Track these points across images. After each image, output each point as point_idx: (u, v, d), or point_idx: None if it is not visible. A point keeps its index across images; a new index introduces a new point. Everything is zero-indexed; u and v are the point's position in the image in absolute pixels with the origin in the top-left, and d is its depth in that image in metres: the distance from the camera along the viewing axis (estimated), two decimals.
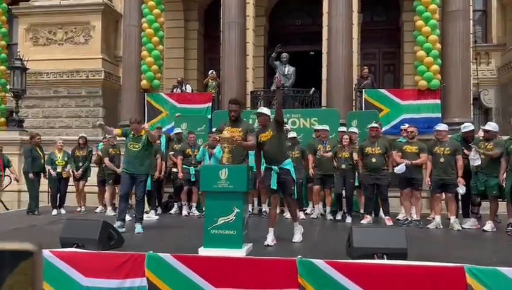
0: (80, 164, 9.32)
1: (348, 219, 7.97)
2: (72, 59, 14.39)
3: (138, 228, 6.83)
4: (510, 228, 6.70)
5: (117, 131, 7.20)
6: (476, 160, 6.98)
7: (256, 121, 6.32)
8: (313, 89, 11.42)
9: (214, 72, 12.27)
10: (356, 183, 8.19)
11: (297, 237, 5.95)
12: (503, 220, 7.54)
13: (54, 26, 14.76)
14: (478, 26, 14.49)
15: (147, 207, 8.26)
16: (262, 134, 5.78)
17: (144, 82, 11.87)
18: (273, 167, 5.73)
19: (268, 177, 5.76)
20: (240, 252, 4.95)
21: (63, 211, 9.10)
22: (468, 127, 7.72)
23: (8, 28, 14.48)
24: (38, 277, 0.94)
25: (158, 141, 9.17)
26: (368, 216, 7.76)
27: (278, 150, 5.75)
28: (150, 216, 8.19)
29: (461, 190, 7.18)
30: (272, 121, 5.85)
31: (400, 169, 7.39)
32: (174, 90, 12.35)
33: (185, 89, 12.48)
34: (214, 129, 8.91)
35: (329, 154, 8.22)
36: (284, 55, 11.47)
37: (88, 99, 14.59)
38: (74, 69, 14.42)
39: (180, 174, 8.83)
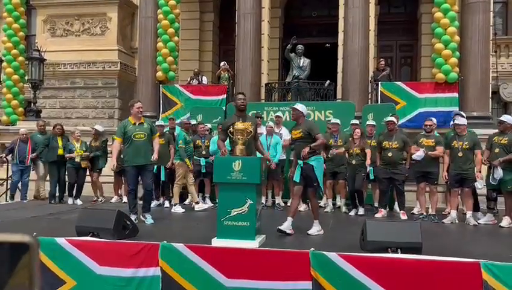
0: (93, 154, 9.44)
1: (361, 211, 7.93)
2: (88, 50, 14.49)
3: (149, 219, 6.76)
4: None
5: (117, 143, 6.81)
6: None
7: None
8: (328, 81, 11.34)
9: (226, 64, 12.25)
10: (371, 177, 8.13)
11: (313, 230, 5.96)
12: None
13: (71, 18, 14.87)
14: (498, 19, 14.16)
15: (175, 199, 8.33)
16: (294, 130, 6.08)
17: (159, 73, 11.93)
18: (298, 161, 5.94)
19: (294, 171, 6.06)
20: (253, 244, 4.96)
21: (79, 201, 9.17)
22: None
23: (27, 19, 14.65)
24: (35, 271, 0.93)
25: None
26: (382, 210, 7.70)
27: (303, 148, 5.83)
28: (176, 209, 8.16)
29: (479, 184, 7.07)
30: (307, 126, 5.96)
31: (419, 155, 7.30)
32: (192, 81, 12.37)
33: (202, 80, 12.50)
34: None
35: (342, 150, 8.16)
36: (300, 47, 11.38)
37: (104, 91, 14.71)
38: (91, 60, 14.52)
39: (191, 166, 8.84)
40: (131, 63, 15.14)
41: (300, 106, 6.13)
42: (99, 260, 4.75)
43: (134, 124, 6.67)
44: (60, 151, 9.24)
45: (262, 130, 8.93)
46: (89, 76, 14.65)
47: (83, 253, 4.80)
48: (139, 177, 6.83)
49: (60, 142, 9.31)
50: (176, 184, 8.29)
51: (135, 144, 6.58)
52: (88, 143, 9.48)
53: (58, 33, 14.97)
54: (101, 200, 9.47)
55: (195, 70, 12.85)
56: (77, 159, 9.10)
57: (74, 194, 9.29)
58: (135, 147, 6.59)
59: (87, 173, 9.45)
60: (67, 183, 9.41)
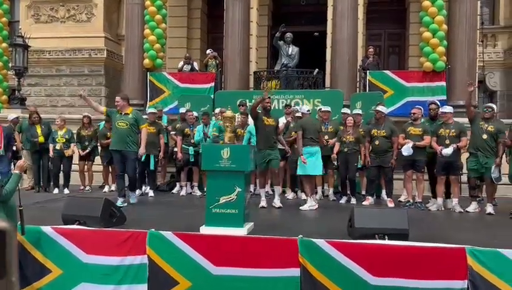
0: (86, 143, 9.31)
1: (353, 200, 8.00)
2: (74, 37, 14.29)
3: (132, 198, 7.50)
4: None
5: (103, 109, 7.47)
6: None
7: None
8: (317, 69, 11.31)
9: (213, 51, 12.09)
10: (359, 165, 8.18)
11: (305, 206, 7.17)
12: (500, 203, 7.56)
13: (55, 4, 14.63)
14: (485, 8, 14.23)
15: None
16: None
17: (146, 61, 11.78)
18: None
19: None
20: (241, 231, 4.96)
21: (66, 190, 9.04)
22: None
23: (10, 4, 14.31)
24: (11, 257, 0.91)
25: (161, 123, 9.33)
26: (370, 198, 7.77)
27: None
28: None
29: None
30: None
31: (406, 150, 7.33)
32: (184, 66, 12.15)
33: (193, 66, 12.31)
34: (217, 109, 8.91)
35: (334, 140, 8.19)
36: (288, 35, 11.32)
37: (90, 78, 14.53)
38: (76, 47, 14.33)
39: (179, 155, 8.78)
40: (117, 51, 14.96)
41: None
42: (86, 249, 4.72)
43: (120, 113, 7.29)
44: (41, 140, 9.10)
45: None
46: (75, 63, 14.46)
47: (70, 241, 4.76)
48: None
49: (39, 131, 9.16)
50: None
51: (118, 131, 7.27)
52: (77, 132, 9.35)
53: (43, 19, 14.72)
54: (88, 189, 9.37)
55: (187, 55, 12.65)
56: (58, 147, 8.98)
57: (63, 183, 9.18)
58: (117, 134, 7.28)
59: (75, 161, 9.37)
60: (52, 172, 9.31)
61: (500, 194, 7.82)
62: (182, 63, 12.22)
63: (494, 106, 7.43)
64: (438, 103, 8.18)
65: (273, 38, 11.59)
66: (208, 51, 12.26)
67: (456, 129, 7.19)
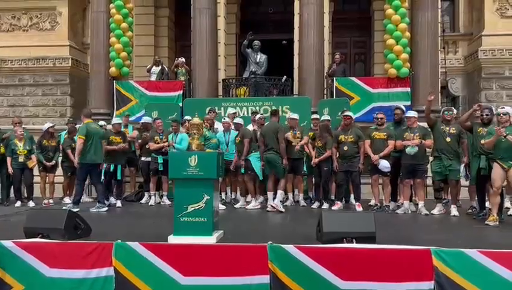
0: (50, 154, 9.04)
1: (325, 205, 8.04)
2: (37, 46, 13.95)
3: (92, 209, 7.63)
4: (470, 211, 7.28)
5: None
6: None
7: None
8: (285, 77, 11.40)
9: (183, 59, 11.98)
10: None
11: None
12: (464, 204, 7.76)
13: (17, 11, 14.25)
14: (446, 16, 14.71)
15: None
16: None
17: (112, 69, 11.59)
18: None
19: None
20: (210, 239, 4.91)
21: (31, 203, 8.73)
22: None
23: None
24: None
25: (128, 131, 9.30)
26: (339, 202, 7.86)
27: None
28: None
29: None
30: None
31: (384, 167, 7.48)
32: (153, 68, 11.96)
33: (164, 67, 12.15)
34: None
35: (303, 142, 8.23)
36: (256, 42, 11.39)
37: (55, 88, 14.20)
38: (40, 56, 13.98)
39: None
40: (83, 59, 14.70)
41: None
42: (49, 262, 4.54)
43: None
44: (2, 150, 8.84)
45: (218, 125, 8.90)
46: (39, 73, 14.11)
47: (32, 255, 4.57)
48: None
49: None
50: None
51: None
52: (38, 142, 9.06)
53: (4, 28, 14.33)
54: (52, 202, 9.08)
55: (156, 57, 12.48)
56: (21, 159, 8.69)
57: (26, 196, 8.88)
58: None
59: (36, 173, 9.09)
60: (12, 185, 8.99)
61: (464, 195, 8.02)
62: (150, 65, 12.07)
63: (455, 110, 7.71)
64: (403, 108, 8.37)
65: (241, 46, 11.62)
66: (176, 59, 12.12)
67: (420, 133, 7.38)
